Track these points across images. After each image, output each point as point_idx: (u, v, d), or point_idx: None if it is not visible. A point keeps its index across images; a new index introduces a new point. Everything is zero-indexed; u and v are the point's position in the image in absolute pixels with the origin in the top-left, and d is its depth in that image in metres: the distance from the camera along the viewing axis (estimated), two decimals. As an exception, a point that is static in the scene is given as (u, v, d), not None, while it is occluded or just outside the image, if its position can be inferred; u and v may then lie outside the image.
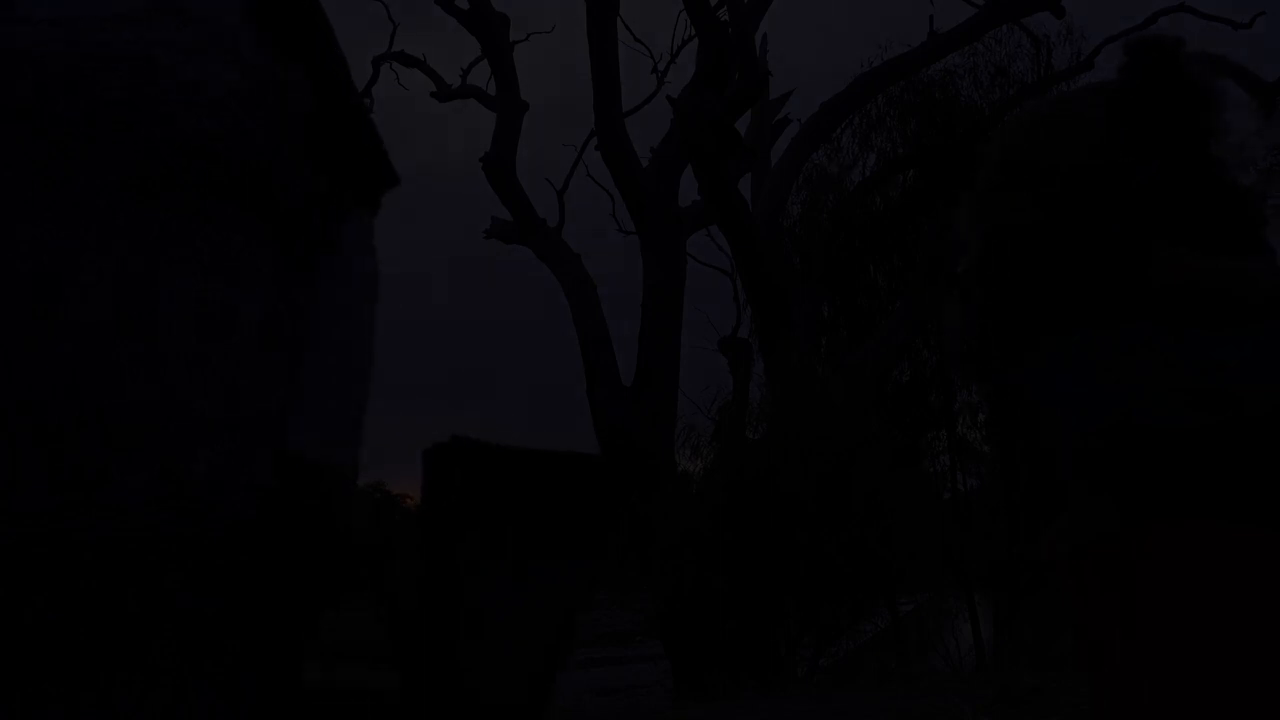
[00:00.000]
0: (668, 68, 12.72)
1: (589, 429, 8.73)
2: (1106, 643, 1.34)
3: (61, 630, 0.85)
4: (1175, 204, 1.41)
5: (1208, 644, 1.21)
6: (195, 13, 0.98)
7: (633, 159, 9.12)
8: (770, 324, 8.48)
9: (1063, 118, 1.54)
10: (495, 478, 1.22)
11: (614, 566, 7.02)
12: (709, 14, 8.53)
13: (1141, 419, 1.29)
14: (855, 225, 10.29)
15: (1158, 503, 1.28)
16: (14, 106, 0.89)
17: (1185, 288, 1.32)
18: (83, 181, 0.89)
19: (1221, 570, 1.23)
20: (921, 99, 10.76)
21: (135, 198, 0.91)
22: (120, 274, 0.89)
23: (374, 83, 12.30)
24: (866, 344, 9.03)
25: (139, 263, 0.90)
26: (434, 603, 1.20)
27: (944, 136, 9.96)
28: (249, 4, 1.04)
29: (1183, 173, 1.44)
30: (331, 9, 1.20)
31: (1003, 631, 8.22)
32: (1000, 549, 8.01)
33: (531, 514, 1.24)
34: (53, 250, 0.87)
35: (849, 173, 11.02)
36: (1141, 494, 1.30)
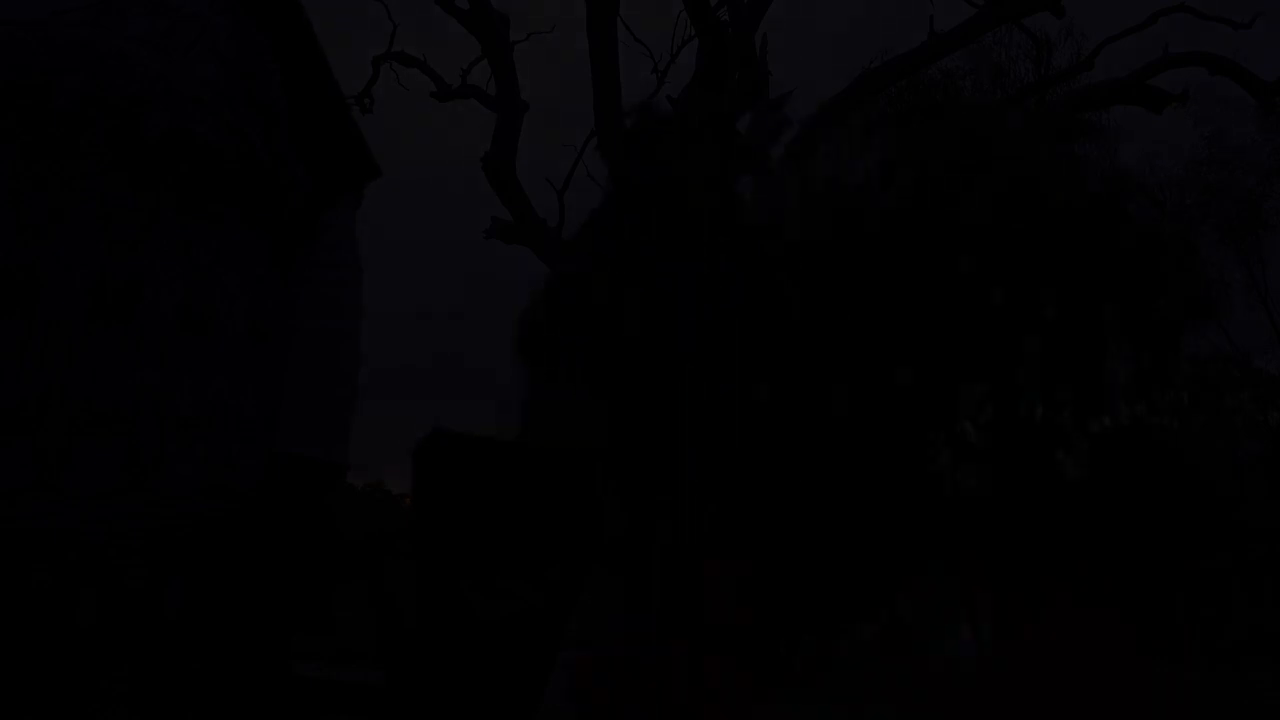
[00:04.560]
0: (668, 68, 12.72)
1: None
2: None
3: (17, 625, 0.85)
4: None
5: None
6: (176, 8, 0.98)
7: (633, 159, 9.12)
8: (770, 324, 8.46)
9: None
10: (491, 473, 1.22)
11: (614, 564, 7.02)
12: (709, 14, 8.53)
13: None
14: (855, 225, 10.28)
15: None
16: None
17: None
18: (66, 177, 0.89)
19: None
20: (922, 99, 10.75)
21: (120, 193, 0.91)
22: (102, 267, 0.89)
23: (374, 83, 12.31)
24: (866, 343, 9.01)
25: (122, 257, 0.90)
26: (429, 601, 1.20)
27: (944, 136, 9.94)
28: None
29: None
30: (332, 9, 1.20)
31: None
32: (999, 547, 8.00)
33: (526, 507, 1.25)
34: (33, 243, 0.87)
35: (849, 173, 11.01)
36: None
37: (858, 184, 9.93)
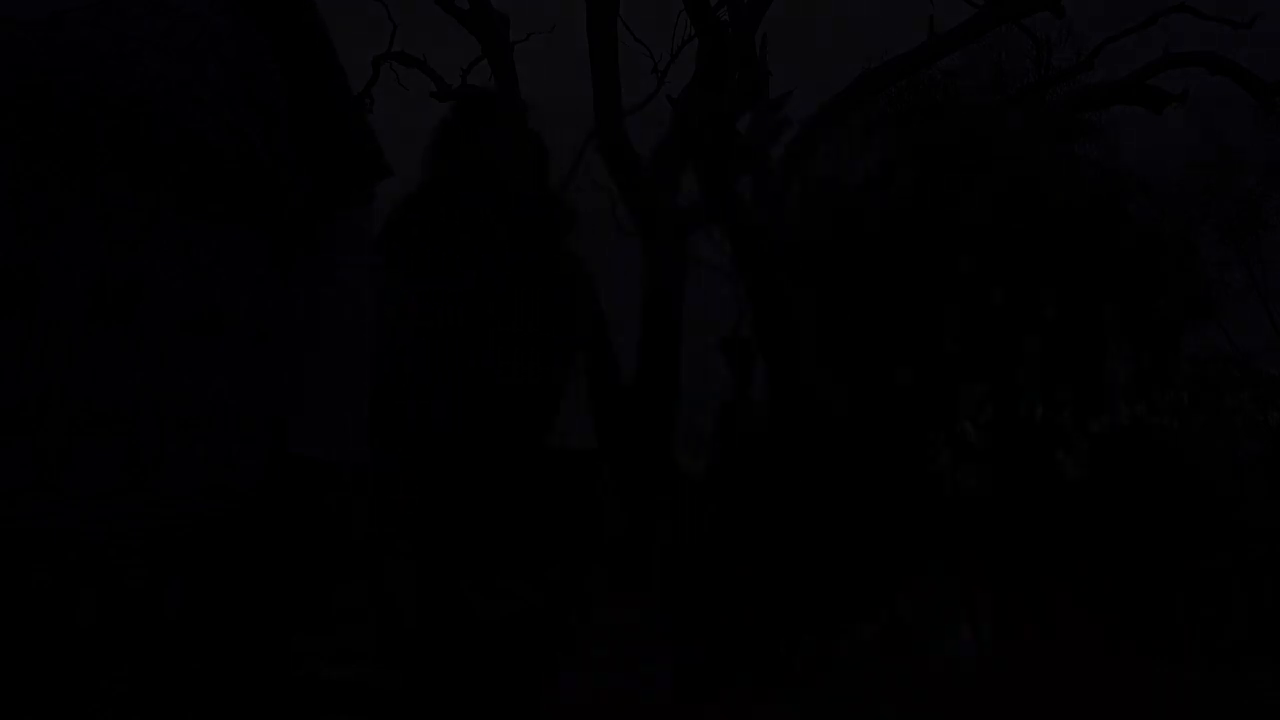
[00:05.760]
0: (668, 68, 12.74)
1: (589, 429, 8.74)
2: None
3: (16, 627, 0.84)
4: None
5: None
6: (176, 8, 0.98)
7: (633, 159, 9.14)
8: (770, 323, 8.48)
9: None
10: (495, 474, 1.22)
11: (614, 564, 7.03)
12: (709, 14, 8.53)
13: None
14: (855, 225, 10.29)
15: None
16: None
17: None
18: (66, 177, 0.89)
19: None
20: (922, 99, 10.76)
21: (120, 193, 0.91)
22: (102, 267, 0.89)
23: (374, 83, 12.31)
24: (866, 343, 9.02)
25: (122, 257, 0.90)
26: (429, 601, 1.20)
27: (944, 137, 9.95)
28: None
29: None
30: (332, 10, 1.20)
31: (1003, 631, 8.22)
32: (1000, 547, 8.00)
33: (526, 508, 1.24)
34: (33, 243, 0.87)
35: (849, 173, 11.02)
36: None
37: (858, 184, 9.93)
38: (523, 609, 1.31)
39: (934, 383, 10.06)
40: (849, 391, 7.55)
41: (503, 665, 1.43)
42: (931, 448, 10.14)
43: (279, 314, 1.03)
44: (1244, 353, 10.75)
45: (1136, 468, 7.68)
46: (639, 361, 8.61)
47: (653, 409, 8.32)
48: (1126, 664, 5.14)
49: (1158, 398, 8.75)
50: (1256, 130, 11.96)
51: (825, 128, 10.30)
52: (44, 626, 0.83)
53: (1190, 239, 9.85)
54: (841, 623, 7.03)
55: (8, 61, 0.87)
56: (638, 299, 8.84)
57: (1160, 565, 6.74)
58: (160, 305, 0.90)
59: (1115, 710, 4.19)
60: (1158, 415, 8.79)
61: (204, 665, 0.90)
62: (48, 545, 0.84)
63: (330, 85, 1.13)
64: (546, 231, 1.77)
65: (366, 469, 1.03)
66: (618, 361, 8.88)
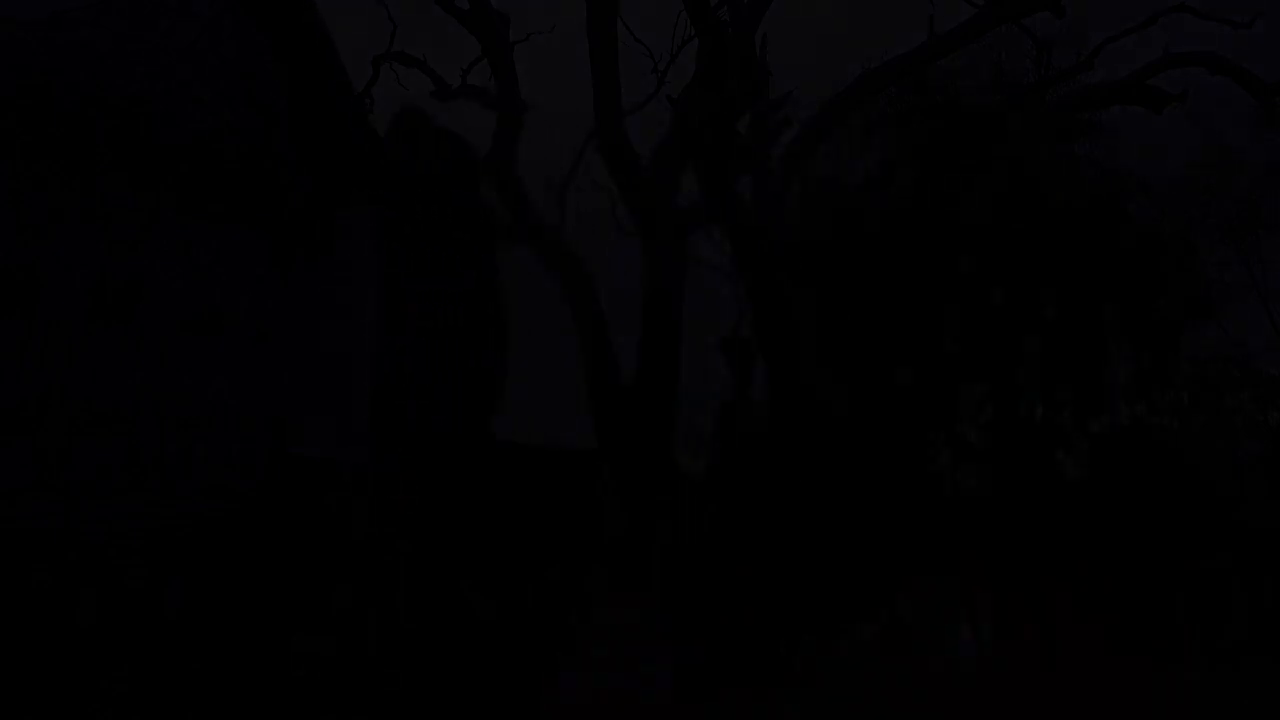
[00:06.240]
0: (668, 68, 12.70)
1: (589, 429, 8.75)
2: None
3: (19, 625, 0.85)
4: None
5: None
6: (177, 8, 0.99)
7: (633, 159, 9.15)
8: (770, 323, 8.48)
9: None
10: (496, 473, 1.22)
11: (614, 564, 7.04)
12: (709, 14, 8.54)
13: None
14: (855, 225, 10.30)
15: None
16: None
17: None
18: (66, 177, 0.89)
19: None
20: (922, 99, 10.74)
21: (120, 193, 0.91)
22: (102, 267, 0.89)
23: (374, 83, 12.29)
24: (866, 343, 9.02)
25: (122, 257, 0.90)
26: (429, 601, 1.20)
27: (944, 137, 9.95)
28: None
29: None
30: (332, 10, 1.20)
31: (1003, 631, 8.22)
32: (999, 547, 8.00)
33: (527, 508, 1.25)
34: (33, 243, 0.87)
35: (849, 173, 11.02)
36: None
37: (858, 184, 9.93)
38: (523, 609, 1.32)
39: (934, 383, 10.06)
40: (849, 391, 7.55)
41: (503, 665, 1.43)
42: (931, 448, 10.14)
43: (279, 314, 1.03)
44: (1244, 352, 10.73)
45: (1136, 468, 7.69)
46: (639, 361, 8.61)
47: (653, 409, 8.32)
48: (1126, 664, 5.14)
49: (1158, 398, 8.76)
50: (1256, 130, 11.94)
51: (825, 128, 10.30)
52: (44, 626, 0.84)
53: (1190, 239, 9.84)
54: (841, 623, 7.04)
55: (8, 61, 0.87)
56: (638, 299, 8.84)
57: (1160, 565, 6.74)
58: (160, 305, 0.90)
59: (1115, 710, 4.19)
60: (1158, 415, 8.80)
61: (204, 665, 0.90)
62: (48, 545, 0.84)
63: (330, 85, 1.13)
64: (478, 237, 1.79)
65: (366, 469, 1.03)
66: (618, 361, 8.89)
